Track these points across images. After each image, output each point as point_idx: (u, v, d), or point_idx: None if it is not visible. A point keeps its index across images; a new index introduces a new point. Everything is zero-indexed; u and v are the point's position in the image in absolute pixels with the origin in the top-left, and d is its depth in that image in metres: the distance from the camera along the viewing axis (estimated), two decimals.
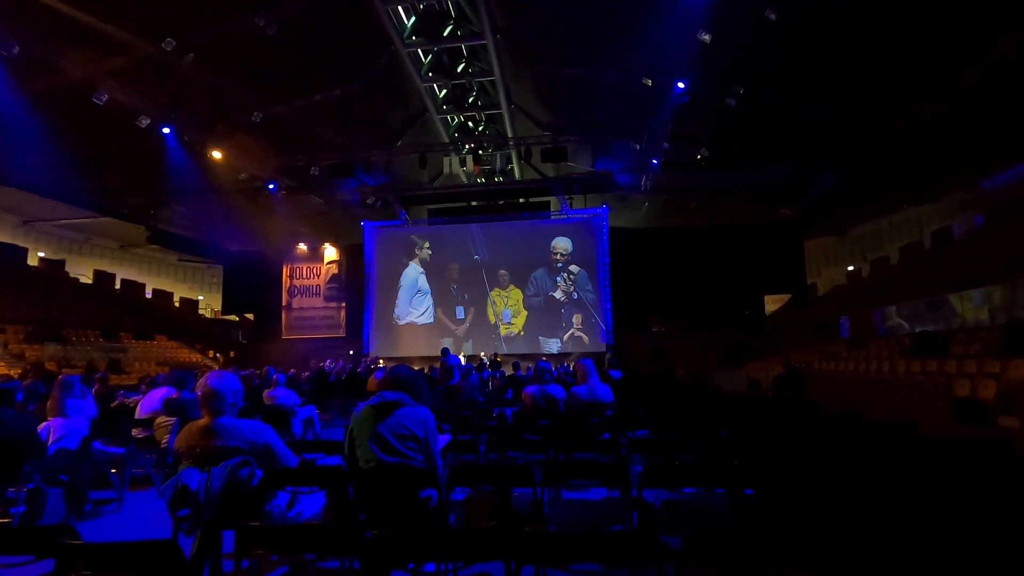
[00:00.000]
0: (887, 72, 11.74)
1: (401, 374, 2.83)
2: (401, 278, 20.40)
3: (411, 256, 20.42)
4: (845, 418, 4.80)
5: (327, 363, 13.63)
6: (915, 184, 17.01)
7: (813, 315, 17.44)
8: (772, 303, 20.72)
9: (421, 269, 20.33)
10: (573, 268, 19.42)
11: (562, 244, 19.56)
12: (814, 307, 19.01)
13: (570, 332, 19.12)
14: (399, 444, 2.62)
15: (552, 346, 19.12)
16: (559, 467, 3.40)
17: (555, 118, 17.69)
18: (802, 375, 10.16)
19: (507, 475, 3.02)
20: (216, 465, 2.46)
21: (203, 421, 2.58)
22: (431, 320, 20.02)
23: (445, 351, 8.72)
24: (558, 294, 19.36)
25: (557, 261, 19.51)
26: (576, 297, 19.27)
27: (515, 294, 19.67)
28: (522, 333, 19.46)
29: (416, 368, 10.16)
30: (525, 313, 19.57)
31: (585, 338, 18.92)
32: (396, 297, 20.32)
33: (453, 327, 19.83)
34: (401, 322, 20.22)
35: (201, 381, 2.62)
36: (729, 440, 3.89)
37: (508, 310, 19.58)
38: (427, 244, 20.39)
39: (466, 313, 19.81)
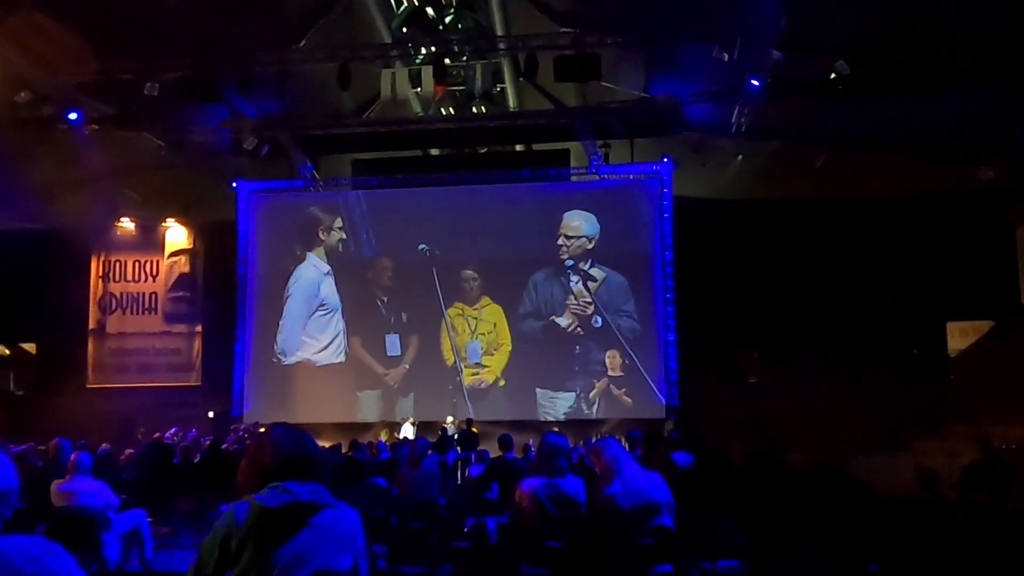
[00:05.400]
0: None
1: (306, 448, 2.25)
2: (290, 281, 16.96)
3: (311, 242, 16.98)
4: None
5: (168, 434, 13.22)
6: None
7: None
8: (960, 335, 17.98)
9: (327, 266, 16.98)
10: (596, 272, 16.27)
11: (575, 223, 16.33)
12: None
13: (593, 382, 15.80)
14: None
15: (560, 407, 15.79)
16: None
17: (580, 5, 15.17)
18: (1012, 464, 9.56)
19: None
20: None
21: None
22: (342, 358, 16.75)
23: None
24: (565, 319, 16.14)
25: (567, 256, 16.34)
26: (600, 323, 16.02)
27: (490, 313, 16.50)
28: (501, 383, 16.07)
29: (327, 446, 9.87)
30: (508, 346, 16.24)
31: (623, 395, 15.63)
32: (281, 315, 16.95)
33: (380, 370, 16.48)
34: (287, 359, 16.87)
35: None
36: None
37: (477, 341, 16.42)
38: (338, 222, 17.16)
39: (403, 346, 16.60)
